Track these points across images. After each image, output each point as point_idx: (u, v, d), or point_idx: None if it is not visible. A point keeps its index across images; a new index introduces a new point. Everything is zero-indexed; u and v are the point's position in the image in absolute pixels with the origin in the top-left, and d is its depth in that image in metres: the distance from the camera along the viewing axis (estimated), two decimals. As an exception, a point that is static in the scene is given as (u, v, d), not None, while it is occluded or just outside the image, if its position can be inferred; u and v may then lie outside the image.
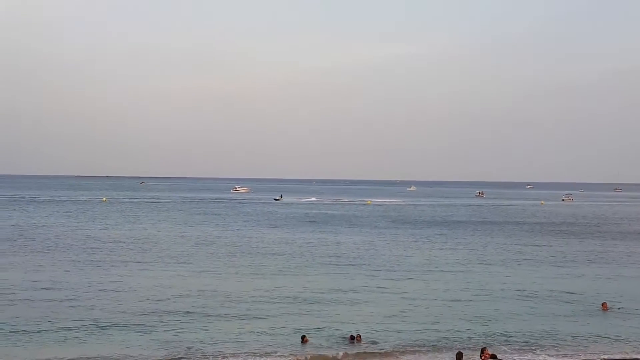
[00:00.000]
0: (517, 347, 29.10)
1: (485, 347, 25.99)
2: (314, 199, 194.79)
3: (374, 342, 29.35)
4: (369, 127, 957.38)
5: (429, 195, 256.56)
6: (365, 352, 27.80)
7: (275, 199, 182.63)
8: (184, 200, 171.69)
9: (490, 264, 55.45)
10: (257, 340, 29.19)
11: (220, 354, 27.13)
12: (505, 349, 28.56)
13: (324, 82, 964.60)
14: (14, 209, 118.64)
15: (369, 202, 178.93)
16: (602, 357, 27.94)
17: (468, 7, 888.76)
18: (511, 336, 30.94)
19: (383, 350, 28.19)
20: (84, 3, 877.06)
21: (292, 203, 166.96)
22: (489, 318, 34.58)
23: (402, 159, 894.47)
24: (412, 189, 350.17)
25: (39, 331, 29.83)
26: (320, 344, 28.87)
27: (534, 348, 29.08)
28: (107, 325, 31.19)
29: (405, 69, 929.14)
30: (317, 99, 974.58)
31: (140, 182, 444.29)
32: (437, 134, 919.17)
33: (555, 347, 29.40)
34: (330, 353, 27.54)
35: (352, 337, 29.47)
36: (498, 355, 25.79)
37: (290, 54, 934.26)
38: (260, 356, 26.94)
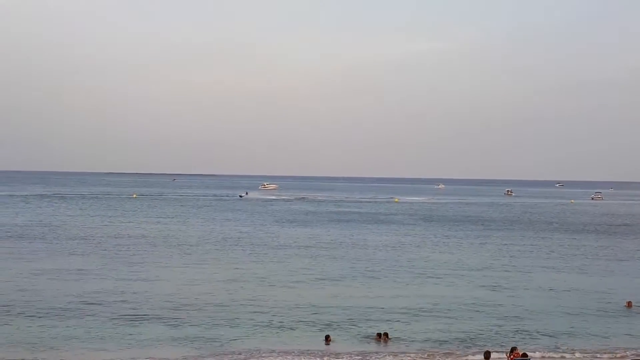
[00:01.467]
0: (545, 345, 28.97)
1: (515, 347, 25.90)
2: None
3: (401, 341, 29.27)
4: (396, 125, 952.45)
5: (457, 194, 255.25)
6: (392, 352, 27.69)
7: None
8: (213, 198, 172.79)
9: (519, 262, 55.19)
10: (281, 339, 29.26)
11: (244, 351, 27.27)
12: (534, 347, 28.30)
13: (350, 79, 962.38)
14: (45, 205, 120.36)
15: (396, 200, 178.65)
16: (631, 356, 27.70)
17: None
18: (540, 334, 30.78)
19: (410, 350, 28.07)
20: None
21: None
22: (517, 316, 34.40)
23: (430, 156, 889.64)
24: (440, 187, 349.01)
25: (67, 325, 30.32)
26: (346, 343, 28.87)
27: (562, 346, 28.89)
28: (136, 320, 31.56)
29: (443, 63, 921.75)
30: (344, 95, 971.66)
31: (172, 179, 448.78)
32: (464, 130, 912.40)
33: (583, 345, 29.16)
34: (355, 353, 27.55)
35: (379, 335, 29.56)
36: (528, 354, 25.59)
37: (312, 51, 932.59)
38: (284, 355, 27.04)
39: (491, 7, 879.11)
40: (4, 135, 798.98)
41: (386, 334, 29.49)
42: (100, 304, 34.92)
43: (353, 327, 31.46)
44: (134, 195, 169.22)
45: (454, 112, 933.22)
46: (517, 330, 31.55)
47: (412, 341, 29.44)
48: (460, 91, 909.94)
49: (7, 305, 33.89)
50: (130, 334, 29.38)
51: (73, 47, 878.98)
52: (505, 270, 50.67)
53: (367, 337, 29.82)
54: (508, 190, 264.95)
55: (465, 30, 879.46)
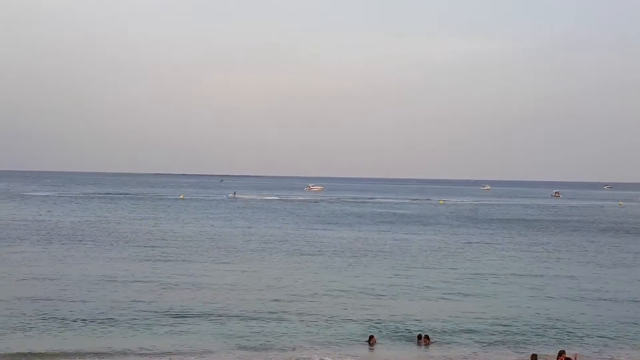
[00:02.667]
0: (593, 351, 28.64)
1: (563, 350, 25.71)
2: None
3: (444, 344, 29.23)
4: (440, 125, 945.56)
5: (504, 195, 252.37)
6: (434, 355, 27.78)
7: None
8: (261, 199, 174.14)
9: (566, 265, 54.61)
10: (324, 338, 29.46)
11: (289, 348, 27.70)
12: (582, 352, 27.94)
13: (395, 79, 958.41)
14: (95, 206, 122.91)
15: (441, 202, 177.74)
16: None
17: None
18: (588, 339, 30.50)
19: (453, 352, 28.07)
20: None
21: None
22: (564, 320, 34.07)
23: (476, 157, 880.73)
24: (486, 188, 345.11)
25: (111, 321, 31.02)
26: (388, 345, 29.04)
27: (610, 352, 28.50)
28: (182, 317, 32.14)
29: (488, 64, 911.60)
30: (388, 96, 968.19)
31: (220, 180, 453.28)
32: (510, 131, 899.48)
33: (633, 352, 28.64)
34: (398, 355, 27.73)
35: (419, 337, 29.76)
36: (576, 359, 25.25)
37: (357, 50, 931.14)
38: (328, 354, 27.22)
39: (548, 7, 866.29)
40: (55, 136, 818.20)
41: (427, 336, 29.59)
42: (147, 302, 35.64)
43: (396, 328, 31.50)
44: (181, 197, 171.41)
45: (498, 111, 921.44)
46: (564, 334, 31.25)
47: (455, 343, 29.40)
48: (502, 91, 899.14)
49: (53, 300, 35.09)
50: (177, 331, 29.96)
51: (115, 47, 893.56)
52: (552, 273, 50.25)
53: (410, 339, 29.90)
54: (556, 192, 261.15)
55: (506, 31, 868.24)
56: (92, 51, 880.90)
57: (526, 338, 30.50)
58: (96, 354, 26.23)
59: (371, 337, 29.28)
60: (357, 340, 29.34)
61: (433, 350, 28.50)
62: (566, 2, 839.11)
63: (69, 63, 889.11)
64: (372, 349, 28.41)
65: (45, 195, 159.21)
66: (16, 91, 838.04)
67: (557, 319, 34.31)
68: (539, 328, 32.38)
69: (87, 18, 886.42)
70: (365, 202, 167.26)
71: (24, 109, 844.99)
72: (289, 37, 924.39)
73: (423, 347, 28.82)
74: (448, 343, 29.41)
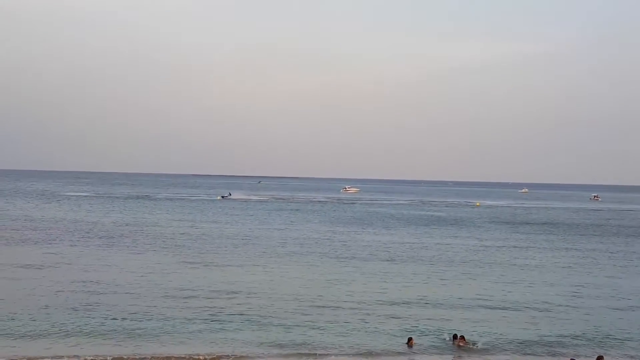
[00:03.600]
0: (632, 355, 28.42)
1: (601, 356, 25.46)
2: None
3: (480, 345, 29.22)
4: (477, 126, 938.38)
5: (542, 198, 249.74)
6: (473, 356, 27.76)
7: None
8: (297, 201, 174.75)
9: (604, 270, 53.98)
10: (363, 341, 29.42)
11: (327, 353, 27.69)
12: (621, 357, 27.84)
13: (433, 81, 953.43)
14: (134, 206, 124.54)
15: (477, 204, 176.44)
16: None
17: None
18: (628, 344, 30.19)
19: (490, 354, 28.08)
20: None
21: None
22: (604, 324, 33.73)
23: (513, 159, 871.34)
24: (524, 191, 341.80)
25: (148, 323, 31.40)
26: (427, 346, 29.00)
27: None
28: (219, 321, 32.34)
29: (525, 64, 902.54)
30: (426, 98, 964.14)
31: (258, 181, 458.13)
32: (548, 134, 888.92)
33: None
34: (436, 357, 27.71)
35: (454, 337, 29.62)
36: None
37: (395, 53, 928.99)
38: (365, 356, 27.34)
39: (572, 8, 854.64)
40: (95, 137, 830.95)
41: (462, 337, 29.52)
42: (182, 303, 36.06)
43: (433, 330, 31.45)
44: (219, 198, 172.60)
45: (537, 113, 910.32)
46: (602, 339, 30.91)
47: (493, 345, 29.31)
48: (541, 92, 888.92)
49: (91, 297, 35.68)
50: (213, 334, 30.17)
51: (158, 51, 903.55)
52: (591, 277, 49.69)
53: (445, 339, 29.90)
54: (594, 196, 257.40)
55: (545, 31, 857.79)
56: (132, 54, 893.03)
57: (564, 343, 30.23)
58: (133, 357, 26.54)
59: (410, 339, 29.25)
60: (396, 342, 29.31)
61: (470, 351, 28.43)
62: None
63: (110, 67, 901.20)
64: (411, 351, 28.36)
65: (84, 196, 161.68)
66: (56, 93, 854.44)
67: (596, 322, 34.05)
68: (578, 331, 32.14)
69: (123, 22, 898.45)
70: (400, 204, 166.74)
71: (64, 111, 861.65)
72: (327, 40, 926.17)
73: (457, 348, 28.80)
74: (485, 346, 29.27)
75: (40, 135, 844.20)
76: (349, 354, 27.68)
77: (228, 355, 26.98)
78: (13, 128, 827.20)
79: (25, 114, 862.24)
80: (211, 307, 34.95)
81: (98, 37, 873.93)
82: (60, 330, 29.79)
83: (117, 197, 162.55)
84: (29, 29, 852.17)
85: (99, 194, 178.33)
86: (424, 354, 28.11)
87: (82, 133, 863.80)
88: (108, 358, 25.96)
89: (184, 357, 26.51)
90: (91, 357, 26.08)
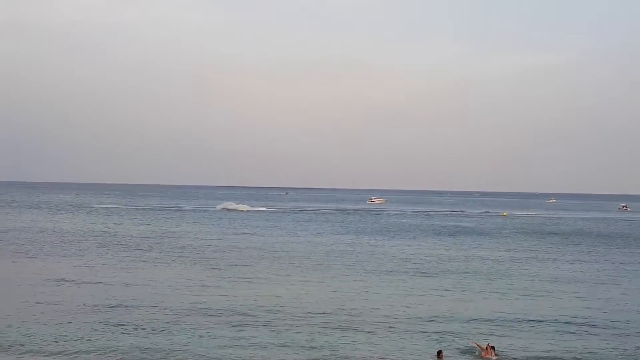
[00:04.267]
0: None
1: None
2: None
3: (510, 357, 28.91)
4: (505, 137, 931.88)
5: (570, 208, 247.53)
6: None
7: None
8: (326, 211, 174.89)
9: (634, 282, 53.28)
10: (392, 354, 29.16)
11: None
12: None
13: (450, 94, 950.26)
14: (161, 217, 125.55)
15: (504, 214, 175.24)
16: None
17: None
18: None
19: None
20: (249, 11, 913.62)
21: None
22: (634, 340, 33.10)
23: (539, 169, 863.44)
24: (552, 201, 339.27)
25: (175, 329, 31.49)
26: (455, 357, 28.73)
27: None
28: (245, 332, 32.31)
29: (554, 76, 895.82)
30: (455, 108, 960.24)
31: (285, 192, 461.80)
32: (574, 143, 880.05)
33: None
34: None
35: (485, 348, 29.40)
36: None
37: (431, 61, 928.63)
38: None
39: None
40: (126, 150, 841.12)
41: (492, 347, 29.30)
42: (208, 314, 36.10)
43: (463, 342, 31.10)
44: (245, 209, 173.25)
45: (564, 122, 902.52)
46: (634, 352, 30.51)
47: (520, 358, 29.07)
48: (565, 101, 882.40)
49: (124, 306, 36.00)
50: (240, 342, 30.30)
51: (182, 62, 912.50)
52: (623, 288, 49.08)
53: (475, 353, 29.66)
54: (623, 206, 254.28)
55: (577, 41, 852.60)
56: (159, 67, 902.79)
57: (593, 354, 29.78)
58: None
59: (439, 352, 28.97)
60: (426, 355, 29.09)
61: (498, 361, 28.16)
62: None
63: (133, 80, 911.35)
64: (440, 363, 28.15)
65: (112, 208, 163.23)
66: (86, 106, 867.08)
67: (625, 335, 33.53)
68: (607, 343, 31.66)
69: (150, 36, 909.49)
70: (428, 215, 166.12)
71: (96, 125, 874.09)
72: (353, 49, 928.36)
73: (487, 356, 28.56)
74: (515, 357, 28.93)
75: (69, 148, 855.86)
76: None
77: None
78: (42, 141, 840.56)
79: (56, 128, 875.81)
80: (237, 319, 34.98)
81: (122, 51, 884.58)
82: (86, 334, 30.43)
83: (143, 208, 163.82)
84: (60, 45, 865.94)
85: (126, 205, 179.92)
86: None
87: (108, 145, 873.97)
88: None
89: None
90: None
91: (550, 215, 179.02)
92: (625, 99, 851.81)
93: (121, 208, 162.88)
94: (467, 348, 30.18)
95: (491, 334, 32.82)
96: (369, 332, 32.72)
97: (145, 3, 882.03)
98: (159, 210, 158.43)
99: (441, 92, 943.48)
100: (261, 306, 38.59)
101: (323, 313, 37.18)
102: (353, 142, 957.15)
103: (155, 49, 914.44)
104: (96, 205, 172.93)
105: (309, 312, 37.12)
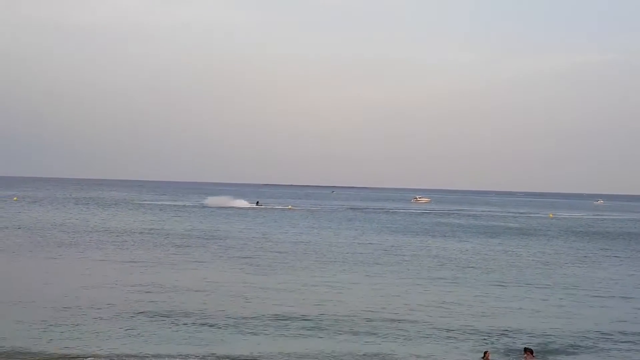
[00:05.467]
0: None
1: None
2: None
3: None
4: (548, 136, 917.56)
5: (618, 209, 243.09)
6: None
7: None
8: (371, 210, 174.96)
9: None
10: (438, 355, 29.21)
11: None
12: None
13: (493, 92, 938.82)
14: (206, 214, 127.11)
15: (550, 215, 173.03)
16: None
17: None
18: None
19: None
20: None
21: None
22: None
23: (589, 170, 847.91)
24: (599, 202, 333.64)
25: (217, 326, 32.22)
26: (502, 359, 28.68)
27: None
28: (286, 327, 32.90)
29: (600, 74, 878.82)
30: (500, 108, 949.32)
31: (331, 191, 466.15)
32: (623, 143, 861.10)
33: None
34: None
35: (525, 350, 29.33)
36: None
37: (462, 61, 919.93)
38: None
39: None
40: (173, 149, 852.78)
41: (530, 350, 29.22)
42: (250, 308, 36.60)
43: (508, 342, 31.12)
44: (289, 207, 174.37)
45: (608, 123, 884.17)
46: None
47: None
48: (610, 100, 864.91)
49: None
50: (280, 335, 31.10)
51: (233, 63, 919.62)
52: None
53: (519, 349, 29.73)
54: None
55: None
56: (199, 68, 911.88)
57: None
58: (201, 357, 27.47)
59: (485, 352, 28.96)
60: (472, 356, 29.18)
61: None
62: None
63: (164, 78, 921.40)
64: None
65: (162, 204, 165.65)
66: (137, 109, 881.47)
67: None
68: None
69: (193, 36, 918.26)
70: (473, 215, 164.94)
71: (139, 125, 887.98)
72: (395, 50, 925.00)
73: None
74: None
75: (113, 146, 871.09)
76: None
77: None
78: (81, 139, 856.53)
79: (100, 127, 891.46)
80: (278, 314, 35.51)
81: (160, 51, 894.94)
82: (126, 328, 31.53)
83: (190, 206, 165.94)
84: (92, 44, 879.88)
85: (176, 202, 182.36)
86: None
87: (150, 143, 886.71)
88: (174, 356, 27.14)
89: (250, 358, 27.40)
90: (156, 354, 27.27)
91: (599, 217, 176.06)
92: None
93: (171, 205, 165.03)
94: (514, 348, 30.21)
95: (535, 335, 32.77)
96: (412, 331, 32.86)
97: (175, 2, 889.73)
98: (207, 208, 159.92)
99: (479, 91, 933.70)
100: (303, 302, 39.07)
101: (367, 311, 37.30)
102: (395, 142, 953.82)
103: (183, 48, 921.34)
104: (145, 202, 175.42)
105: (352, 310, 37.25)
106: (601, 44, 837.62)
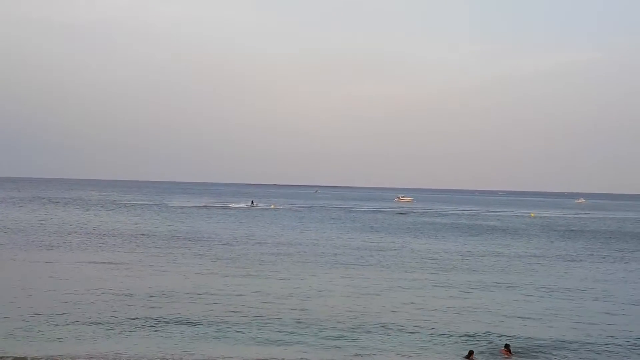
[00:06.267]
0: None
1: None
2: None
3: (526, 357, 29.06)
4: (529, 135, 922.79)
5: (599, 208, 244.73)
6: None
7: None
8: (354, 209, 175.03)
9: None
10: (422, 355, 29.17)
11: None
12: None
13: (489, 92, 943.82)
14: (189, 214, 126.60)
15: (532, 215, 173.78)
16: None
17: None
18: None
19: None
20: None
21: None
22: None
23: (571, 169, 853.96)
24: (580, 201, 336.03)
25: (207, 328, 31.98)
26: (484, 357, 28.68)
27: None
28: (270, 327, 32.69)
29: (594, 73, 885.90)
30: (486, 106, 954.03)
31: (314, 190, 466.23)
32: (607, 143, 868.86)
33: None
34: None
35: (505, 346, 29.50)
36: None
37: (458, 60, 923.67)
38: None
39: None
40: (182, 149, 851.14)
41: (508, 347, 29.34)
42: (232, 309, 36.45)
43: (492, 342, 31.10)
44: (272, 206, 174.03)
45: (592, 121, 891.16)
46: None
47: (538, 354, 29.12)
48: (593, 99, 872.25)
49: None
50: (265, 336, 30.84)
51: (217, 61, 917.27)
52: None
53: (495, 347, 29.75)
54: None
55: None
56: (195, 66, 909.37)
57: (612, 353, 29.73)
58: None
59: (470, 352, 28.97)
60: (456, 356, 29.10)
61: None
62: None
63: (161, 76, 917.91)
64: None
65: (142, 204, 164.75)
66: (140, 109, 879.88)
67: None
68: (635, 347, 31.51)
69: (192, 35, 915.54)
70: (455, 214, 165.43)
71: (135, 124, 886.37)
72: (388, 47, 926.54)
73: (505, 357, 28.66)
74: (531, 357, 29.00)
75: (104, 146, 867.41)
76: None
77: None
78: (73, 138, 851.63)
79: (93, 126, 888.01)
80: (258, 315, 35.35)
81: (159, 50, 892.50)
82: (127, 329, 31.29)
83: (173, 206, 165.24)
84: (93, 43, 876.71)
85: (155, 202, 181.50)
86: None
87: (143, 144, 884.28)
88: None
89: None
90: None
91: (580, 216, 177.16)
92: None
93: (151, 204, 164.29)
94: (498, 348, 30.17)
95: (520, 333, 32.82)
96: (396, 332, 32.75)
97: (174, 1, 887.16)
98: (187, 207, 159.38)
99: (462, 90, 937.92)
100: (285, 301, 38.83)
101: (350, 311, 37.26)
102: (378, 140, 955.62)
103: (181, 46, 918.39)
104: (124, 202, 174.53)
105: (333, 312, 37.12)
106: (596, 44, 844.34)
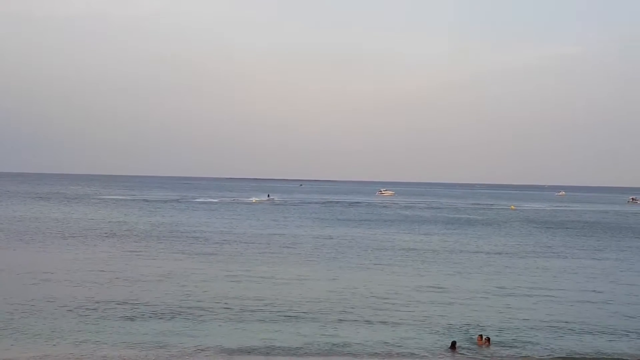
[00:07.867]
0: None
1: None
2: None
3: (506, 347, 29.23)
4: (516, 130, 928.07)
5: (579, 201, 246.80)
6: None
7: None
8: (337, 202, 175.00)
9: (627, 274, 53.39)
10: (406, 345, 29.10)
11: (369, 354, 27.62)
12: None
13: (466, 85, 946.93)
14: (170, 209, 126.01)
15: (512, 207, 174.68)
16: None
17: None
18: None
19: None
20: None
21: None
22: (634, 327, 33.36)
23: (551, 162, 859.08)
24: (561, 194, 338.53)
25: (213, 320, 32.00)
26: (470, 349, 28.66)
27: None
28: (247, 318, 32.63)
29: (571, 69, 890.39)
30: (465, 101, 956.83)
31: (299, 184, 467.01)
32: (586, 136, 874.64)
33: None
34: None
35: (480, 337, 29.52)
36: None
37: (441, 56, 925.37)
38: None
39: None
40: (188, 143, 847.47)
41: (488, 339, 29.44)
42: (213, 302, 36.27)
43: (474, 333, 31.09)
44: (254, 200, 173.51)
45: (583, 119, 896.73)
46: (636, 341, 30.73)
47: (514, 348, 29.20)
48: (575, 94, 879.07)
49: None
50: (237, 326, 31.12)
51: (211, 57, 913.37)
52: (630, 281, 49.25)
53: (471, 339, 29.91)
54: (632, 198, 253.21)
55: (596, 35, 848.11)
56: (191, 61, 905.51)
57: (599, 349, 29.73)
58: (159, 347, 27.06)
59: (453, 342, 28.99)
60: (439, 347, 29.09)
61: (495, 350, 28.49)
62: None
63: (152, 72, 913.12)
64: (455, 355, 28.15)
65: (120, 199, 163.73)
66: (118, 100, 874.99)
67: (630, 328, 33.60)
68: (614, 337, 31.76)
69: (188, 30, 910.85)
70: (436, 207, 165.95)
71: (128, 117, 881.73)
72: (374, 42, 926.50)
73: (484, 347, 28.82)
74: (511, 347, 29.18)
75: (94, 141, 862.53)
76: (393, 356, 27.62)
77: (259, 348, 27.81)
78: (60, 133, 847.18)
79: (78, 120, 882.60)
80: (241, 306, 35.37)
81: (147, 43, 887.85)
82: (124, 319, 31.13)
83: (152, 200, 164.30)
84: (73, 38, 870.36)
85: (136, 196, 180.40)
86: (468, 356, 27.83)
87: (133, 138, 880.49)
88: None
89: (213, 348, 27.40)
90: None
91: (561, 208, 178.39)
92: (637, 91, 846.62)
93: (130, 200, 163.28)
94: (474, 338, 30.27)
95: (501, 324, 32.97)
96: (379, 324, 32.80)
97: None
98: (170, 201, 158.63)
99: (447, 84, 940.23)
100: (262, 296, 38.51)
101: (333, 302, 37.28)
102: (362, 134, 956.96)
103: (182, 40, 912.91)
104: (105, 197, 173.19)
105: (317, 304, 37.05)
106: (578, 38, 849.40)
